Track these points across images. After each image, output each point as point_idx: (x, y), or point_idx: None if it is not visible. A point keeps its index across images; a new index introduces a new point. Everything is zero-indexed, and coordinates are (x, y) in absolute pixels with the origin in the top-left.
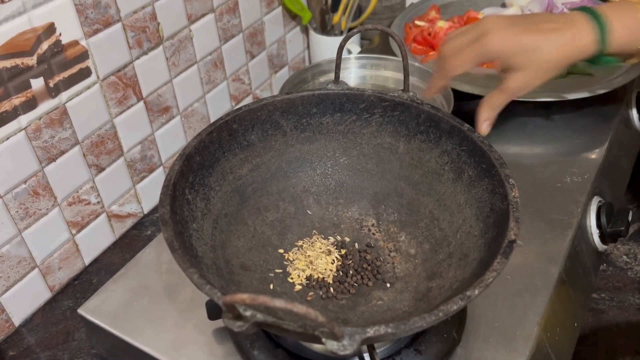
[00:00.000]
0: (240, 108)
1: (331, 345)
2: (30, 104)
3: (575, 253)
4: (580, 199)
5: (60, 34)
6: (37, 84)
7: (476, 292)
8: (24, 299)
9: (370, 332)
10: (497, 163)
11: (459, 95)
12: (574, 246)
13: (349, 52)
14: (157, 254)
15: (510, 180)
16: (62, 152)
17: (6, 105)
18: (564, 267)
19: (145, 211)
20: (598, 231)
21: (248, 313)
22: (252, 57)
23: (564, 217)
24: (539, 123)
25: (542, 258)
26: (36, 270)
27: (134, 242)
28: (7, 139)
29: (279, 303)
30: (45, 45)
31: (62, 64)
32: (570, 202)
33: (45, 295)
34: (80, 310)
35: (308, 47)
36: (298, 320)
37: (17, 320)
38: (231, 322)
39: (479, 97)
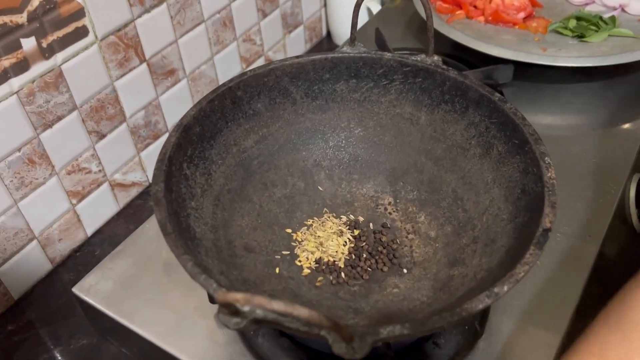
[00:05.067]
0: (245, 73)
1: (339, 349)
2: (21, 66)
3: (613, 236)
4: (620, 176)
5: None
6: (29, 44)
7: (505, 288)
8: (23, 272)
9: (384, 333)
10: (531, 139)
11: (487, 59)
12: (611, 228)
13: (369, 10)
14: (158, 229)
15: (546, 158)
16: (59, 118)
17: None
18: (599, 252)
19: (151, 180)
20: (637, 211)
21: (246, 309)
22: (264, 15)
23: (601, 196)
24: (576, 90)
25: (576, 242)
26: (35, 241)
27: (139, 212)
28: None
29: (277, 305)
30: (36, 2)
31: (55, 22)
32: (608, 179)
33: (45, 267)
34: (75, 289)
35: (325, 5)
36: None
37: (15, 294)
38: (226, 319)
39: (508, 62)
